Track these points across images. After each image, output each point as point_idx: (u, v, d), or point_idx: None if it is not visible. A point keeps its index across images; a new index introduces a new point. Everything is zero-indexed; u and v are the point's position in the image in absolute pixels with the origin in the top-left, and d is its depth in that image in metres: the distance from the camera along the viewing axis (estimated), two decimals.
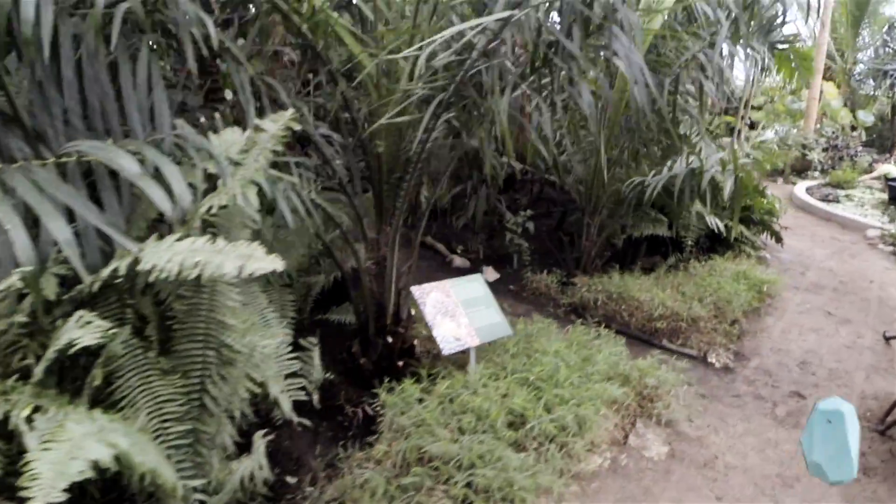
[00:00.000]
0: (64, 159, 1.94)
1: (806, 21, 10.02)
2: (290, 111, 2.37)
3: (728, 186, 4.74)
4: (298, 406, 3.72)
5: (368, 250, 3.74)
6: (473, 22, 2.59)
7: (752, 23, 5.70)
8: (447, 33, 2.53)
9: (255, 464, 2.10)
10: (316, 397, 2.83)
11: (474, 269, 6.55)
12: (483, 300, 3.54)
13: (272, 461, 3.31)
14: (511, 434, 2.89)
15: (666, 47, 5.52)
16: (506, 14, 2.48)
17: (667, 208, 6.61)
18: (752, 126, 9.74)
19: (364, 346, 3.87)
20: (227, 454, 2.25)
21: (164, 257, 1.76)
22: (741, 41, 5.13)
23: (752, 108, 13.78)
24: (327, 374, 3.63)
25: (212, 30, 2.27)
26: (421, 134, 3.08)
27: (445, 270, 6.52)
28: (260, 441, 2.17)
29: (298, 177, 3.18)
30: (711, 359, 4.76)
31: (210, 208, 1.99)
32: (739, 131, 8.75)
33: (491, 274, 6.30)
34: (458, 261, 6.65)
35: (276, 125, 2.25)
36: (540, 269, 6.27)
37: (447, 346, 3.18)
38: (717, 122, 7.83)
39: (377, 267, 3.73)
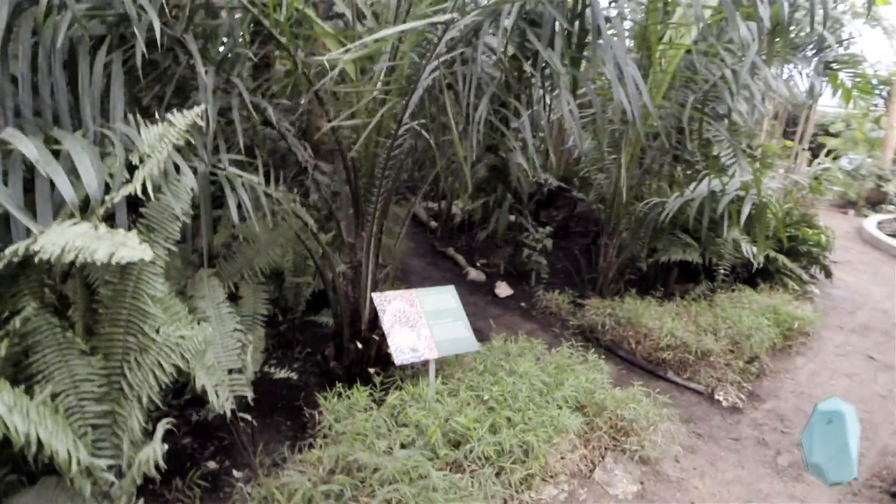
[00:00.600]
0: None
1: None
2: (200, 108, 2.37)
3: (744, 212, 4.39)
4: (269, 402, 3.76)
5: (345, 255, 3.71)
6: (425, 21, 2.51)
7: (790, 39, 5.33)
8: (388, 33, 2.47)
9: (152, 450, 2.08)
10: (250, 394, 2.80)
11: (489, 283, 6.42)
12: (451, 313, 3.42)
13: (227, 454, 3.35)
14: (450, 453, 2.76)
15: (702, 63, 5.24)
16: (444, 18, 2.39)
17: (699, 233, 6.24)
18: (815, 153, 9.05)
19: (338, 351, 3.83)
20: (133, 439, 2.25)
21: (53, 240, 1.79)
22: (776, 58, 4.79)
23: (828, 134, 12.89)
24: (294, 375, 3.63)
25: (156, 22, 2.31)
26: (386, 140, 3.03)
27: (458, 282, 6.41)
28: (161, 428, 2.16)
29: (272, 179, 3.21)
30: (719, 396, 4.40)
31: (114, 196, 2.01)
32: (797, 156, 8.17)
33: (504, 289, 6.14)
34: (473, 274, 6.53)
35: (184, 120, 2.26)
36: (559, 288, 6.06)
37: (401, 356, 3.08)
38: (758, 145, 7.35)
39: (354, 272, 3.69)
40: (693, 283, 6.62)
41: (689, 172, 5.97)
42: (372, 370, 3.75)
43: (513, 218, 7.06)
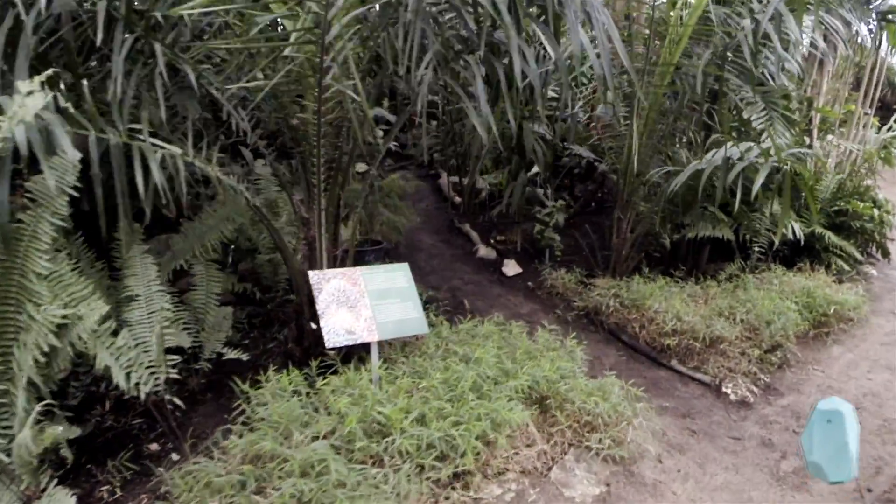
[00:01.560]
0: None
1: None
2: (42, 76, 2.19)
3: (758, 181, 3.84)
4: (222, 385, 3.62)
5: (300, 230, 3.52)
6: None
7: None
8: None
9: (27, 434, 1.98)
10: (146, 380, 2.65)
11: (499, 261, 6.08)
12: (401, 293, 3.16)
13: (171, 435, 3.26)
14: (371, 446, 2.53)
15: (720, 16, 4.65)
16: None
17: (731, 207, 5.64)
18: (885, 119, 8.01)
19: (299, 332, 3.66)
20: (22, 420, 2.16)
21: None
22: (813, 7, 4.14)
23: None
24: (246, 356, 3.49)
25: None
26: (313, 104, 2.78)
27: (466, 260, 6.13)
28: (34, 409, 2.05)
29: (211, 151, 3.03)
30: (727, 388, 3.94)
31: None
32: (861, 121, 7.25)
33: (512, 268, 5.80)
34: (483, 251, 6.21)
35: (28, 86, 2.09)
36: (573, 266, 5.66)
37: (334, 338, 2.86)
38: (815, 108, 6.55)
39: (309, 249, 3.50)
40: (729, 262, 6.04)
41: (716, 138, 5.38)
42: (333, 352, 3.58)
43: (541, 192, 6.67)
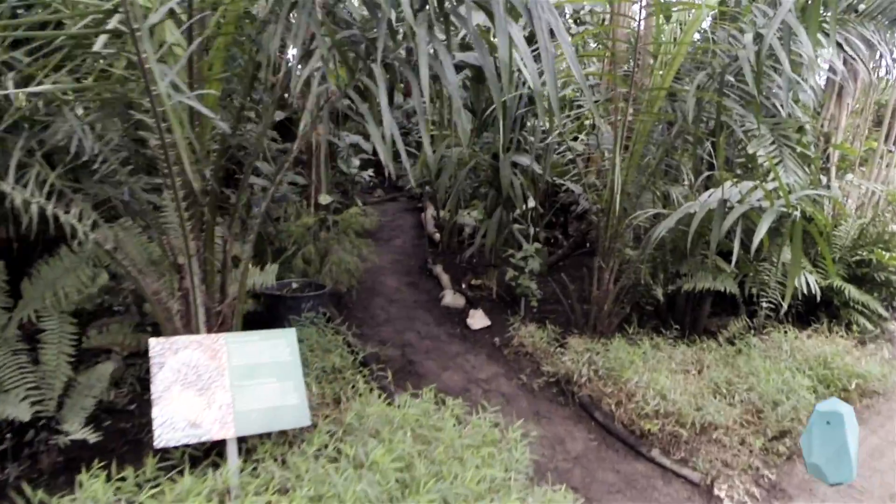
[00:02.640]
0: None
1: None
2: None
3: (762, 228, 3.07)
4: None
5: (174, 279, 2.79)
6: None
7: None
8: None
9: None
10: None
11: (466, 310, 5.31)
12: (280, 369, 2.41)
13: None
14: None
15: (718, 37, 3.96)
16: None
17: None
18: None
19: None
20: None
21: None
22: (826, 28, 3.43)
23: None
24: (93, 436, 2.74)
25: None
26: (150, 118, 2.07)
27: (430, 308, 5.37)
28: None
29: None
30: (720, 490, 3.11)
31: None
32: (884, 160, 6.45)
33: (478, 320, 5.02)
34: (450, 298, 5.45)
35: None
36: (549, 320, 4.89)
37: (169, 434, 2.10)
38: (832, 144, 5.80)
39: (185, 303, 2.77)
40: (734, 316, 5.23)
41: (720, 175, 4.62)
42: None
43: (530, 230, 5.93)
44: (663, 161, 4.31)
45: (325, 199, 6.18)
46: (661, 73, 4.32)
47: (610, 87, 4.60)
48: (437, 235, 7.72)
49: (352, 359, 3.95)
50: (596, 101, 4.82)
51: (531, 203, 6.55)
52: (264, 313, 4.47)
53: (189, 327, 2.75)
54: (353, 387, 3.30)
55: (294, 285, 4.73)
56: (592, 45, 6.25)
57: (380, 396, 2.97)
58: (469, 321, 5.00)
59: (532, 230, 6.01)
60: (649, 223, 4.24)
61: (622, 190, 4.25)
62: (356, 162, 7.91)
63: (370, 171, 8.51)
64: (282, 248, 5.19)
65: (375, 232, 7.90)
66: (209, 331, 2.74)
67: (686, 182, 4.71)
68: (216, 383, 2.24)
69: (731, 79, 3.99)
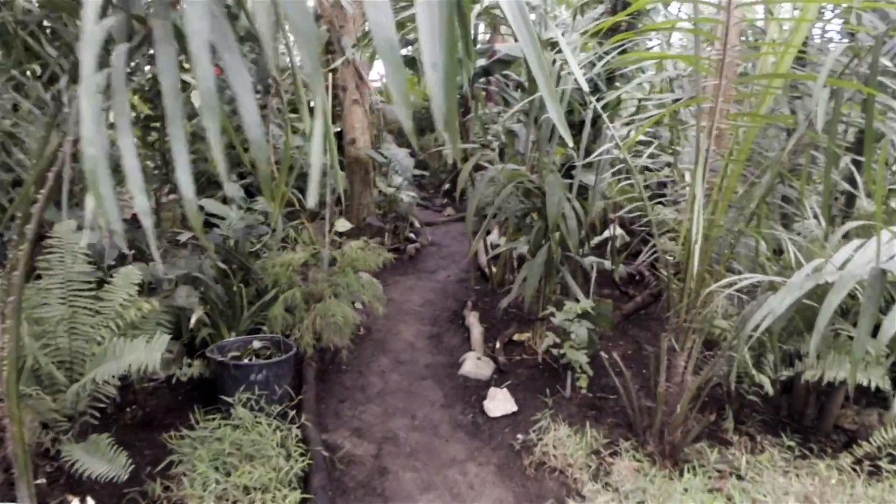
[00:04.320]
0: None
1: None
2: None
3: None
4: None
5: None
6: None
7: None
8: None
9: None
10: None
11: (490, 382, 3.96)
12: None
13: None
14: None
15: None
16: None
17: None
18: None
19: None
20: None
21: None
22: None
23: None
24: None
25: None
26: None
27: (443, 377, 4.07)
28: None
29: None
30: None
31: None
32: None
33: (501, 403, 3.65)
34: (470, 364, 4.11)
35: None
36: (593, 417, 3.45)
37: None
38: None
39: None
40: (878, 410, 3.49)
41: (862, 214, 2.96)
42: None
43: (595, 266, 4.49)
44: (774, 190, 2.73)
45: (342, 225, 5.10)
46: (771, 56, 2.76)
47: (693, 77, 3.08)
48: (490, 269, 6.42)
49: (289, 467, 2.78)
50: (676, 101, 3.30)
51: (609, 232, 5.05)
52: (214, 381, 3.45)
53: None
54: None
55: (256, 344, 3.67)
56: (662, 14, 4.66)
57: None
58: (487, 404, 3.65)
59: (593, 271, 4.54)
60: (746, 292, 2.70)
61: (707, 234, 2.74)
62: (397, 180, 6.81)
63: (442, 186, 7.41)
64: (263, 291, 4.16)
65: (418, 262, 6.74)
66: None
67: (809, 220, 3.07)
68: None
69: (888, 63, 2.39)
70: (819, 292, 2.13)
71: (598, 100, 3.47)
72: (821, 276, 2.13)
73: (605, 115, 3.32)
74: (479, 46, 4.64)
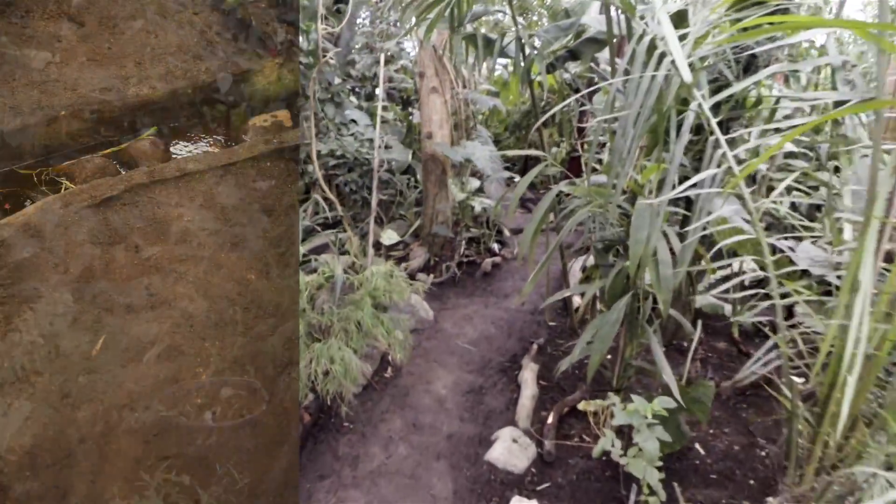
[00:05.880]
0: None
1: None
2: None
3: None
4: None
5: None
6: None
7: None
8: None
9: None
10: None
11: (520, 479, 2.89)
12: None
13: None
14: None
15: None
16: None
17: None
18: None
19: None
20: None
21: None
22: None
23: None
24: None
25: None
26: None
27: (464, 461, 3.05)
28: None
29: None
30: None
31: None
32: None
33: None
34: (501, 450, 3.04)
35: None
36: None
37: None
38: None
39: None
40: None
41: None
42: None
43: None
44: None
45: (389, 237, 4.26)
46: None
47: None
48: (579, 298, 5.28)
49: None
50: (840, 105, 1.99)
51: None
52: None
53: None
54: None
55: None
56: None
57: None
58: None
59: (697, 328, 3.27)
60: None
61: (877, 351, 1.49)
62: (475, 183, 5.81)
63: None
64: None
65: (492, 281, 5.71)
66: None
67: None
68: None
69: None
70: None
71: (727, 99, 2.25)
72: None
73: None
74: (561, 22, 3.49)
